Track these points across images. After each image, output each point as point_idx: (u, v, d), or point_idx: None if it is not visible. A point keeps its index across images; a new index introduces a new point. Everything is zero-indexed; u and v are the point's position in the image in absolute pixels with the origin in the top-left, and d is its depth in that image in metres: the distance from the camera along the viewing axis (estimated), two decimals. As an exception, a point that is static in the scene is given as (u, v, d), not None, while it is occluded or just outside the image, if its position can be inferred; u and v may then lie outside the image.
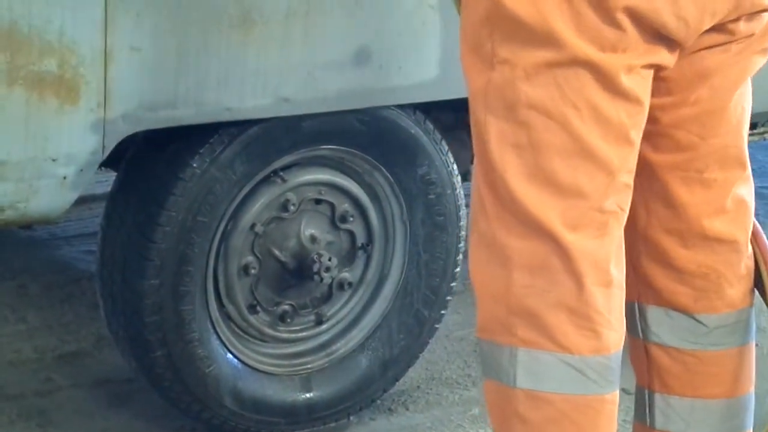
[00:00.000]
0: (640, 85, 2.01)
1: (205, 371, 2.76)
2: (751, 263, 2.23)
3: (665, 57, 2.02)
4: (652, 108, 2.08)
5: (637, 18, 1.95)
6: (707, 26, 2.02)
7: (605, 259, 2.02)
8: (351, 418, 2.99)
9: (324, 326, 2.93)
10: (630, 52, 1.97)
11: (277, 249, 2.82)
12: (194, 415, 2.84)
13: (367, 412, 3.02)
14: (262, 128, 2.67)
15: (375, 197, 2.90)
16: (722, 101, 2.12)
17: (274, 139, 2.70)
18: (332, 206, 2.87)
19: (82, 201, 2.53)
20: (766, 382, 2.60)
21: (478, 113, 2.05)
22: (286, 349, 2.90)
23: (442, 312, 3.00)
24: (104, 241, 2.74)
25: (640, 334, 2.25)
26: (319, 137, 2.75)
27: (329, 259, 2.83)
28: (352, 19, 2.64)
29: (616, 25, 1.95)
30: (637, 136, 2.06)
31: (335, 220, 2.88)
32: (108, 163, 2.57)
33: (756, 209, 2.24)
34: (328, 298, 2.91)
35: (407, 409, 3.08)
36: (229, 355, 2.81)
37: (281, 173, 2.77)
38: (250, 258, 2.80)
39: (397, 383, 3.03)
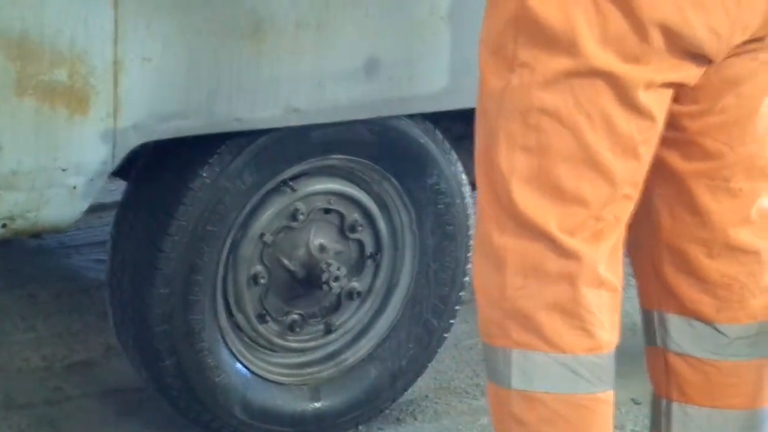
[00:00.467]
0: (657, 102, 2.01)
1: (215, 380, 2.77)
2: None
3: (690, 73, 2.02)
4: (678, 116, 2.08)
5: (669, 33, 1.95)
6: (738, 41, 2.02)
7: (598, 262, 2.03)
8: (360, 427, 2.99)
9: (333, 335, 2.94)
10: (653, 66, 1.97)
11: (286, 258, 2.82)
12: (204, 425, 2.84)
13: (375, 421, 3.02)
14: (272, 138, 2.67)
15: (384, 207, 2.90)
16: (750, 110, 2.12)
17: (284, 149, 2.70)
18: (341, 216, 2.87)
19: (91, 210, 2.53)
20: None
21: (490, 114, 2.05)
22: (295, 358, 2.91)
23: (451, 321, 3.00)
24: (114, 250, 2.75)
25: (660, 343, 2.25)
26: (328, 147, 2.76)
27: (338, 269, 2.83)
28: (362, 29, 2.65)
29: (645, 37, 1.95)
30: (645, 151, 2.06)
31: (344, 230, 2.88)
32: (118, 172, 2.58)
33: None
34: (337, 307, 2.92)
35: (416, 419, 3.08)
36: (239, 365, 2.82)
37: (291, 183, 2.77)
38: (259, 267, 2.80)
39: (405, 393, 3.03)
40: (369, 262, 2.93)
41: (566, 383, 2.03)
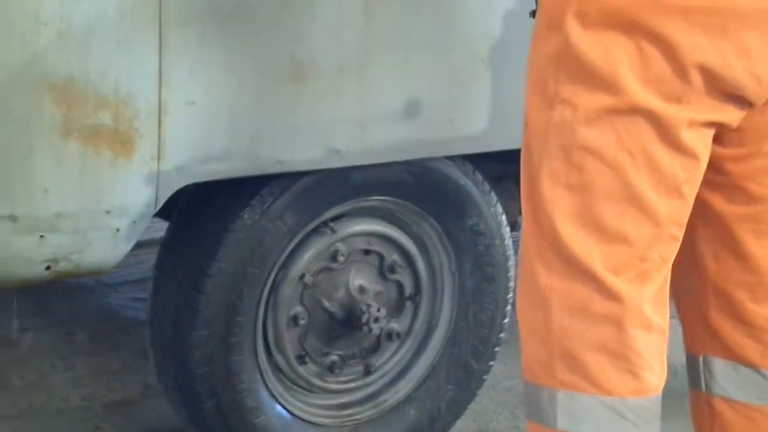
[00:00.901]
0: (700, 140, 2.01)
1: (254, 422, 2.77)
2: None
3: (731, 115, 2.01)
4: (722, 159, 2.08)
5: (709, 75, 1.95)
6: None
7: (645, 303, 2.02)
8: (398, 468, 2.99)
9: (372, 377, 2.93)
10: (694, 106, 1.97)
11: (326, 299, 2.83)
12: (242, 466, 2.84)
13: (414, 463, 3.01)
14: (313, 179, 2.68)
15: (423, 248, 2.90)
16: None
17: (325, 191, 2.71)
18: (381, 256, 2.87)
19: (128, 248, 2.55)
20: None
21: (533, 151, 2.06)
22: (335, 399, 2.91)
23: (491, 363, 3.00)
24: (155, 291, 2.76)
25: (704, 387, 2.24)
26: (368, 188, 2.76)
27: (378, 310, 2.83)
28: (402, 72, 2.66)
29: (686, 78, 1.95)
30: (690, 190, 2.05)
31: (384, 271, 2.88)
32: (159, 212, 2.59)
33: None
34: (376, 348, 2.91)
35: (454, 460, 3.07)
36: (278, 406, 2.82)
37: (331, 224, 2.78)
38: (299, 308, 2.80)
39: (444, 434, 3.03)
40: (408, 303, 2.93)
41: (613, 426, 2.02)
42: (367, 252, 2.86)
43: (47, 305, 3.75)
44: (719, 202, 2.13)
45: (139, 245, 3.59)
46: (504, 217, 2.93)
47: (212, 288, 2.65)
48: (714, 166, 2.09)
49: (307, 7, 2.53)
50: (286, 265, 2.75)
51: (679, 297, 2.25)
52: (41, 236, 2.37)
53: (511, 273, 2.95)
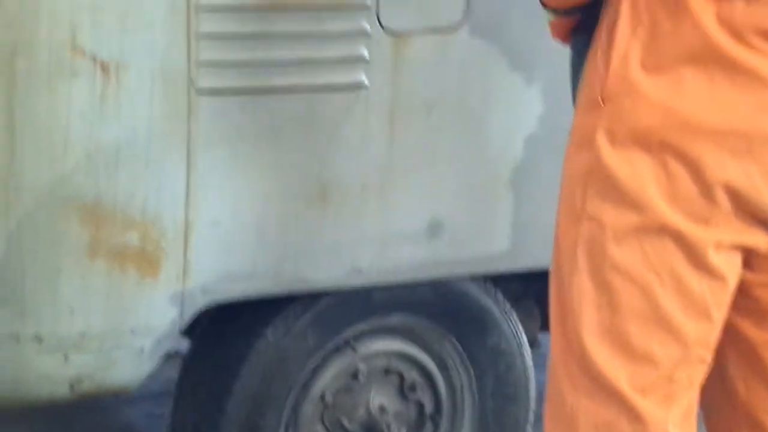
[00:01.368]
0: (728, 263, 2.01)
1: None
2: None
3: (760, 239, 2.01)
4: (751, 284, 2.07)
5: (736, 197, 1.96)
6: None
7: (671, 425, 2.01)
8: None
9: (393, 496, 2.91)
10: (722, 228, 1.97)
11: (346, 418, 2.81)
12: None
13: None
14: (335, 298, 2.69)
15: (444, 367, 2.90)
16: None
17: (347, 309, 2.72)
18: (401, 375, 2.86)
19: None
20: None
21: (563, 267, 2.06)
22: None
23: (512, 484, 2.97)
24: (175, 409, 2.75)
25: None
26: (390, 307, 2.77)
27: (398, 430, 2.82)
28: (425, 192, 2.68)
29: (712, 199, 1.96)
30: (718, 312, 2.05)
31: (404, 390, 2.87)
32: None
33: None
34: (397, 467, 2.90)
35: None
36: None
37: (352, 342, 2.78)
38: (319, 427, 2.79)
39: None
40: (428, 423, 2.92)
41: None
42: (387, 371, 2.85)
43: (61, 420, 3.72)
44: (748, 328, 2.12)
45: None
46: (524, 337, 2.93)
47: (234, 407, 2.64)
48: (743, 290, 2.08)
49: (332, 128, 2.56)
50: (307, 384, 2.74)
51: (709, 420, 2.23)
52: (65, 356, 2.37)
53: (532, 393, 2.94)
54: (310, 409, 2.76)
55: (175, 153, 2.38)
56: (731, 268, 2.02)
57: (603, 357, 2.00)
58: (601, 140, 1.99)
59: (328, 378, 2.77)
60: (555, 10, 2.12)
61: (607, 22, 2.01)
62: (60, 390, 2.40)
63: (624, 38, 1.98)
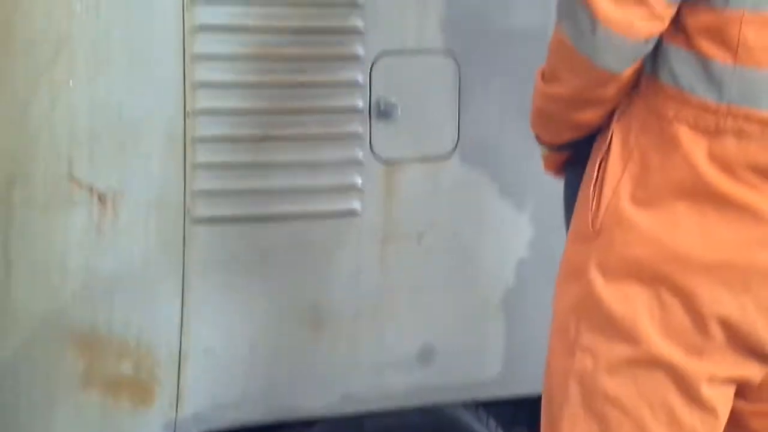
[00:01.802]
0: (721, 396, 2.01)
1: None
2: None
3: (754, 371, 2.02)
4: (743, 414, 2.07)
5: (730, 330, 1.97)
6: None
7: None
8: None
9: None
10: (716, 361, 1.98)
11: None
12: None
13: None
14: (327, 425, 2.68)
15: (435, 493, 2.88)
16: None
17: (338, 436, 2.71)
18: (391, 502, 2.85)
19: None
20: None
21: (554, 397, 2.06)
22: None
23: None
24: None
25: None
26: (381, 433, 2.77)
27: None
28: (417, 318, 2.69)
29: (706, 331, 1.96)
30: (708, 446, 2.05)
31: None
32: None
33: None
34: None
35: None
36: None
37: (342, 469, 2.76)
38: None
39: None
40: None
41: None
42: (377, 497, 2.84)
43: None
44: None
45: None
46: (516, 462, 2.92)
47: None
48: (736, 420, 2.08)
49: (325, 255, 2.57)
50: None
51: None
52: (60, 488, 2.36)
53: None
54: None
55: (170, 281, 2.39)
56: (723, 403, 2.02)
57: None
58: (594, 273, 2.00)
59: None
60: (549, 146, 2.15)
61: (598, 156, 2.04)
62: None
63: (615, 172, 2.00)
